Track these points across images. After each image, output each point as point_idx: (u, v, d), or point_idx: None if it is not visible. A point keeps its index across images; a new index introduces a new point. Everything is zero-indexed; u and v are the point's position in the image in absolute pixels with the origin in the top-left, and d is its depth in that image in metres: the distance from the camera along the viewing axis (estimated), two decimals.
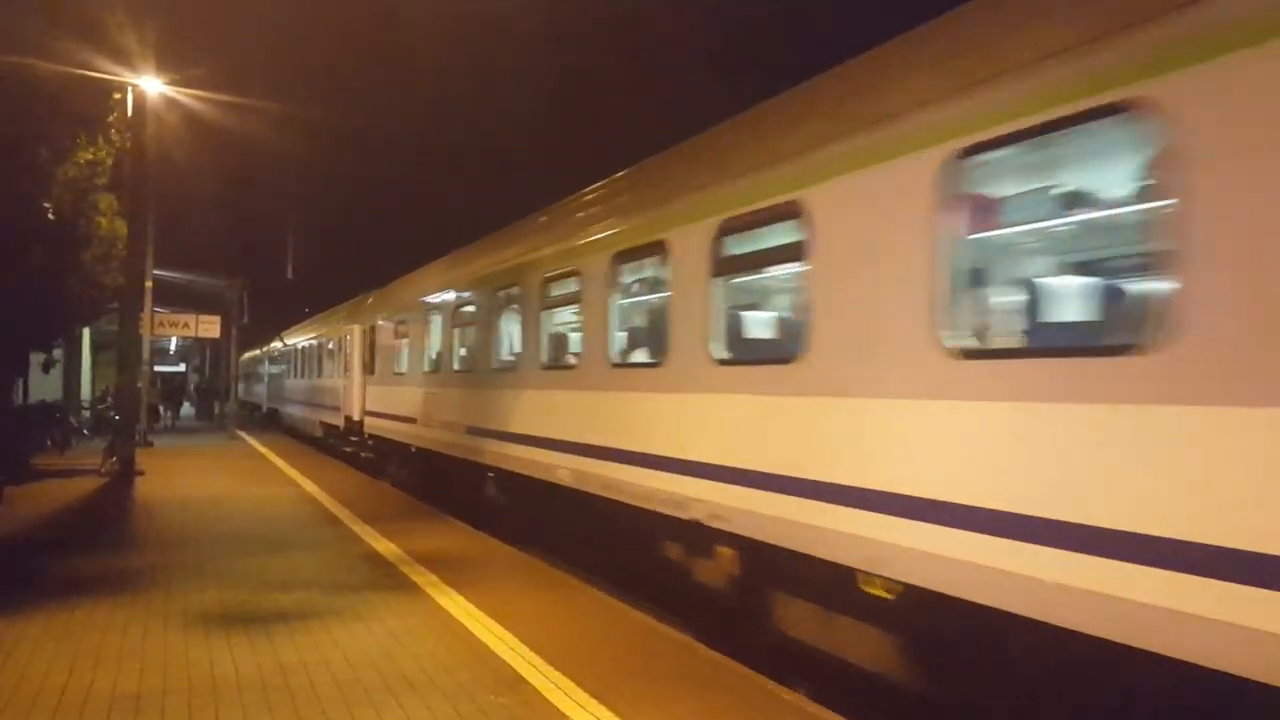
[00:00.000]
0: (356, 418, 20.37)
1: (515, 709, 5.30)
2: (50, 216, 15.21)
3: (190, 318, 30.09)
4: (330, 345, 24.54)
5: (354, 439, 21.26)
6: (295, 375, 31.75)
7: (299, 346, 31.04)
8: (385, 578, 8.85)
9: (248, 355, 52.37)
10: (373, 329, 19.40)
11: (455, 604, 7.79)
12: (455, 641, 6.69)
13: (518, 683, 5.79)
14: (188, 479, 17.22)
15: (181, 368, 62.87)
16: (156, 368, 38.17)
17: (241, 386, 52.03)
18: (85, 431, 26.09)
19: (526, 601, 7.91)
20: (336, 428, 22.80)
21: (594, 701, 5.43)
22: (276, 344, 38.11)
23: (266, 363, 42.97)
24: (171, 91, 19.56)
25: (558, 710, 5.29)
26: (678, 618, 7.88)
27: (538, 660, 6.22)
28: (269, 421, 38.29)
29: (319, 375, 26.36)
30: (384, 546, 10.44)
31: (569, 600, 8.08)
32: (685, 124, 8.76)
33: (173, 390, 42.15)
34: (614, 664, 6.20)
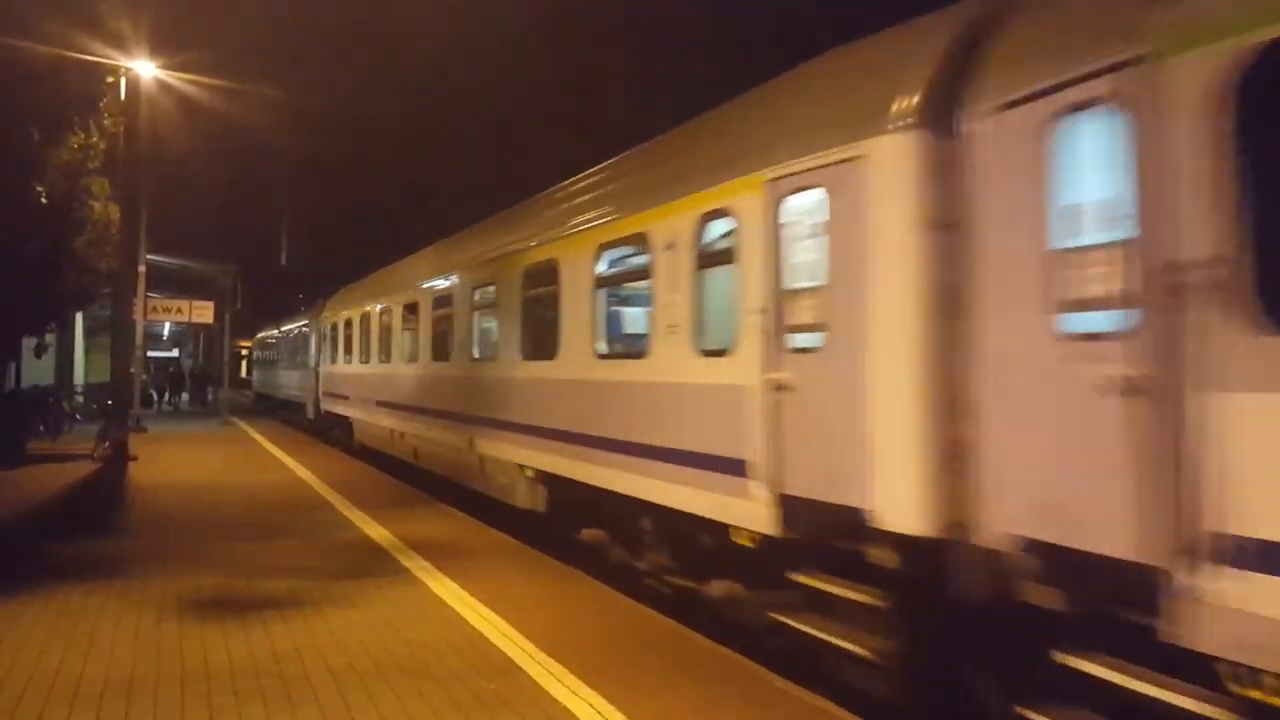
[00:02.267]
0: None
1: (508, 694, 5.32)
2: (43, 201, 15.14)
3: (184, 303, 29.93)
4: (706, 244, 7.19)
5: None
6: (407, 357, 16.32)
7: (434, 291, 14.72)
8: (378, 563, 8.86)
9: (268, 332, 40.56)
10: None
11: (448, 590, 7.80)
12: (448, 627, 6.70)
13: (510, 669, 5.80)
14: (181, 464, 17.19)
15: (175, 353, 62.69)
16: (150, 353, 38.16)
17: (257, 375, 47.70)
18: (78, 416, 26.02)
19: (518, 587, 7.93)
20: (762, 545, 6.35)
21: (586, 688, 5.44)
22: (346, 308, 22.13)
23: (313, 340, 26.69)
24: (165, 75, 19.41)
25: (551, 697, 5.31)
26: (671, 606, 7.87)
27: (530, 646, 6.24)
28: (323, 427, 24.82)
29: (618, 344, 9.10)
30: (376, 532, 10.45)
31: (561, 587, 8.10)
32: (686, 110, 8.68)
33: (176, 376, 42.89)
34: (607, 651, 6.23)
